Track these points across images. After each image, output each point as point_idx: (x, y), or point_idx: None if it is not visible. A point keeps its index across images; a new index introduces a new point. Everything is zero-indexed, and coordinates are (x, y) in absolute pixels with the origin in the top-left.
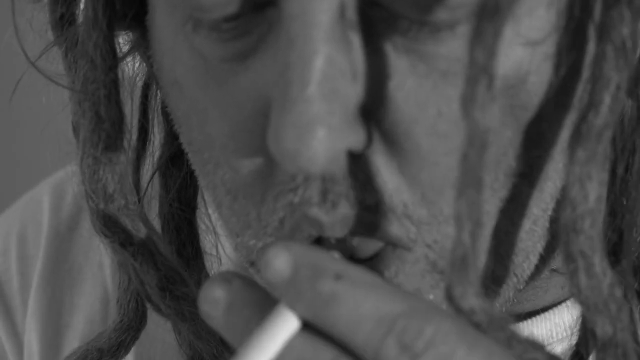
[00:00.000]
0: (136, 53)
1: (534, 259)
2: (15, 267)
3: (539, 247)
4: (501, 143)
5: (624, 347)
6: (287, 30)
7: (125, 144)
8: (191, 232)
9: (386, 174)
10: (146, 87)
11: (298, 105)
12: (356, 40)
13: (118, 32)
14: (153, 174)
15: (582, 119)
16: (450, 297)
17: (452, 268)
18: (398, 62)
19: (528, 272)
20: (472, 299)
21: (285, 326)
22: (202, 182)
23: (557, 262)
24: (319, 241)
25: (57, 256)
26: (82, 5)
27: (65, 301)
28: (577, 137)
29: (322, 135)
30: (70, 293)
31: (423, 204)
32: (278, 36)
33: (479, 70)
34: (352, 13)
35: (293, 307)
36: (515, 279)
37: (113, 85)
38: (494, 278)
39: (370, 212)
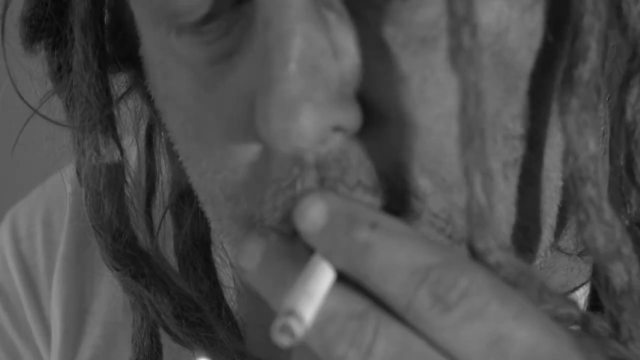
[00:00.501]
0: (136, 95)
1: (548, 234)
2: (41, 251)
3: (550, 220)
4: (493, 104)
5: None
6: (263, 15)
7: (129, 180)
8: (207, 267)
9: (379, 152)
10: (150, 128)
11: (281, 84)
12: (332, 19)
13: (114, 74)
14: (164, 212)
15: (573, 66)
16: (474, 254)
17: (471, 224)
18: (376, 36)
19: (543, 247)
20: (497, 253)
21: (321, 277)
22: (201, 197)
23: (563, 241)
24: None
25: (79, 241)
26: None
27: (86, 286)
28: (569, 85)
29: (308, 111)
30: (91, 278)
31: (424, 175)
32: (256, 25)
33: (461, 20)
34: None
35: (328, 257)
36: (530, 254)
37: (109, 122)
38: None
39: (371, 193)
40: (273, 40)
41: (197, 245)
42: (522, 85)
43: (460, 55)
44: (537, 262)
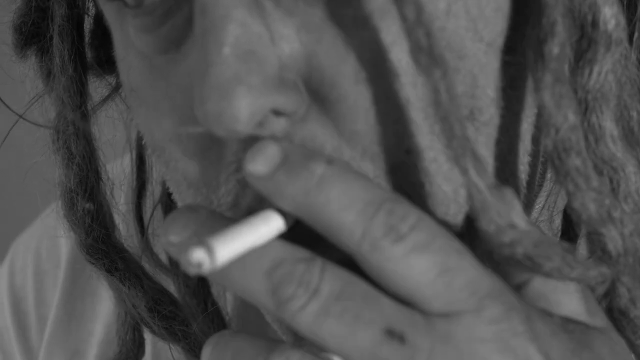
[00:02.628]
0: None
1: (524, 191)
2: (31, 283)
3: (524, 176)
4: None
5: (634, 255)
6: (199, 2)
7: (104, 179)
8: None
9: (323, 135)
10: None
11: (216, 67)
12: (269, 5)
13: (98, 77)
14: (153, 210)
15: (542, 42)
16: (481, 237)
17: (475, 209)
18: (312, 19)
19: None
20: (509, 232)
21: (270, 224)
22: (170, 187)
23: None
24: None
25: (77, 266)
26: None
27: (86, 309)
28: (541, 61)
29: (242, 93)
30: (91, 301)
31: (366, 158)
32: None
33: (413, 23)
34: None
35: (283, 194)
36: None
37: (82, 123)
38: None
39: None
40: (208, 26)
41: None
42: (494, 63)
43: (421, 55)
44: None
